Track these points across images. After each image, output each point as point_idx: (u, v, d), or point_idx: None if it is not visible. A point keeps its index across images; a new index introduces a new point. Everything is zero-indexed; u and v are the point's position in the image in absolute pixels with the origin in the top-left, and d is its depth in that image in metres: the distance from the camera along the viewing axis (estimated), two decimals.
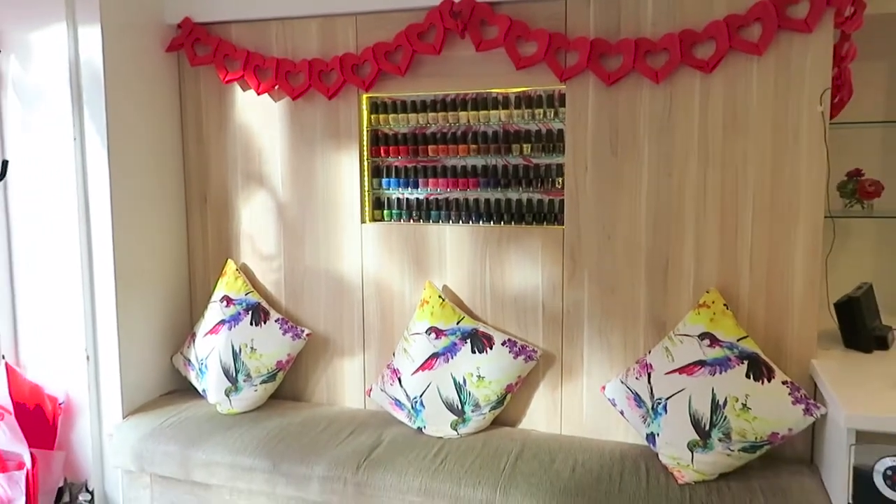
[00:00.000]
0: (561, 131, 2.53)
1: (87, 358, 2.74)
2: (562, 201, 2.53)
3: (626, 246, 2.43)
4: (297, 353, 2.82)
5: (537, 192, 2.60)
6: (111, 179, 2.65)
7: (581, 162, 2.46)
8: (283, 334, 2.80)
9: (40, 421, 2.73)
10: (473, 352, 2.51)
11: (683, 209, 2.35)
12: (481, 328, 2.55)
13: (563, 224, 2.52)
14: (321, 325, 2.87)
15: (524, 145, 2.58)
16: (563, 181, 2.53)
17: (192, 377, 2.91)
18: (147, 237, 2.84)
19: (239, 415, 2.75)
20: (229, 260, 2.96)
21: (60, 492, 2.79)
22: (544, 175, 2.58)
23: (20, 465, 2.65)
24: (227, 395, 2.77)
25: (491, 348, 2.51)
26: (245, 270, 2.97)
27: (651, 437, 2.27)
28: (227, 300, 2.87)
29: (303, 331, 2.81)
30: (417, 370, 2.56)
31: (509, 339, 2.53)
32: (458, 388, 2.50)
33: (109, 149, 2.64)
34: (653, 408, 2.25)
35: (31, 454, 2.65)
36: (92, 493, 2.79)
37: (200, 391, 2.89)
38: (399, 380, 2.59)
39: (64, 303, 2.74)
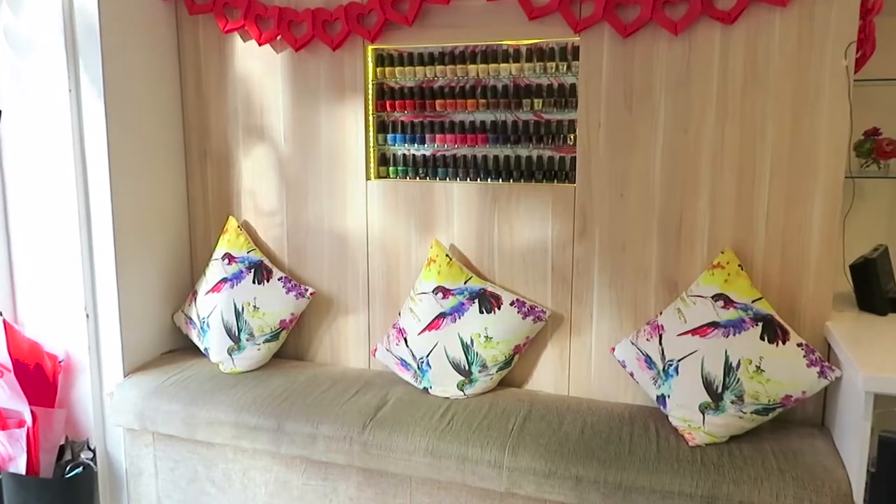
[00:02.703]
0: (574, 86, 2.45)
1: (87, 316, 2.69)
2: (573, 158, 2.46)
3: (639, 204, 2.37)
4: (300, 312, 2.78)
5: (548, 148, 2.53)
6: (108, 132, 2.57)
7: (594, 118, 2.39)
8: (287, 293, 2.74)
9: (40, 379, 2.69)
10: (481, 312, 2.47)
11: (699, 167, 2.29)
12: (489, 288, 2.51)
13: (574, 182, 2.46)
14: (325, 283, 2.82)
15: (535, 100, 2.50)
16: (575, 138, 2.45)
17: (194, 336, 2.87)
18: (146, 193, 2.77)
19: (242, 374, 2.72)
20: (231, 217, 2.89)
21: (62, 450, 2.77)
22: (555, 131, 2.51)
23: (21, 423, 2.62)
24: (230, 354, 2.73)
25: (499, 309, 2.46)
26: (247, 227, 2.91)
27: (661, 399, 2.23)
28: (229, 258, 2.81)
29: (306, 289, 2.76)
30: (424, 330, 2.51)
31: (518, 300, 2.48)
32: (466, 348, 2.46)
33: (106, 101, 2.55)
34: (664, 369, 2.22)
35: (32, 412, 2.62)
36: (94, 451, 2.76)
37: (202, 350, 2.85)
38: (405, 340, 2.55)
39: (62, 259, 2.68)
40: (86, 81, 2.55)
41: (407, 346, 2.55)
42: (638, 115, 2.33)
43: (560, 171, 2.51)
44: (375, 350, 2.69)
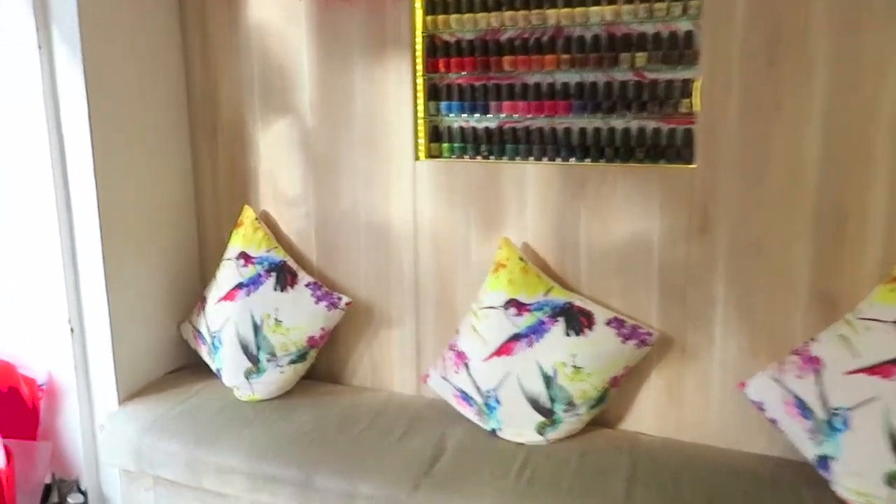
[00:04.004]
0: (690, 34, 1.84)
1: (72, 330, 2.18)
2: (689, 130, 1.86)
3: (784, 191, 1.76)
4: (332, 326, 2.23)
5: (654, 118, 1.92)
6: (89, 102, 2.03)
7: (721, 76, 1.77)
8: (316, 303, 2.19)
9: (16, 405, 2.20)
10: (568, 334, 1.89)
11: (872, 141, 1.67)
12: (577, 302, 1.92)
13: (690, 161, 1.86)
14: (362, 289, 2.26)
15: (637, 55, 1.89)
16: (692, 103, 1.84)
17: (204, 353, 2.34)
18: (141, 177, 2.24)
19: (262, 402, 2.19)
20: (246, 206, 2.35)
21: (48, 490, 2.29)
22: (664, 95, 1.90)
23: None
24: (247, 378, 2.20)
25: (591, 329, 1.88)
26: (266, 219, 2.36)
27: (823, 462, 1.64)
28: (245, 258, 2.27)
29: (340, 298, 2.21)
30: (492, 356, 1.95)
31: (615, 318, 1.90)
32: (547, 380, 1.89)
33: (85, 61, 2.00)
34: (827, 421, 1.62)
35: (5, 448, 2.12)
36: (85, 494, 2.27)
37: (214, 370, 2.32)
38: (466, 367, 1.99)
39: (39, 261, 2.17)
40: (58, 37, 2.01)
41: (469, 374, 1.98)
42: (785, 70, 1.71)
43: (670, 148, 1.91)
44: (427, 376, 2.14)
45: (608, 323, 1.89)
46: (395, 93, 2.12)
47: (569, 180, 1.97)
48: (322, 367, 2.35)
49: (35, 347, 2.24)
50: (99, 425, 2.20)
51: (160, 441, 2.05)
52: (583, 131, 2.00)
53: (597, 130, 1.99)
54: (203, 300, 2.35)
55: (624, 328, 1.88)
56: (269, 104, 2.29)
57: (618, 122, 1.97)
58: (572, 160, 2.01)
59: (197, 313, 2.36)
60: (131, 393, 2.24)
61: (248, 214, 2.32)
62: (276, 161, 2.32)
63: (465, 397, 2.00)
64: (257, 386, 2.20)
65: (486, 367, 1.95)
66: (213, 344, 2.28)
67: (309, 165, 2.27)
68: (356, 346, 2.31)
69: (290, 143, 2.28)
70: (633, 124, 1.95)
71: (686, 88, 1.87)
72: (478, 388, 1.97)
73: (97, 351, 2.20)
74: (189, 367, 2.45)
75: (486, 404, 1.96)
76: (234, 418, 2.10)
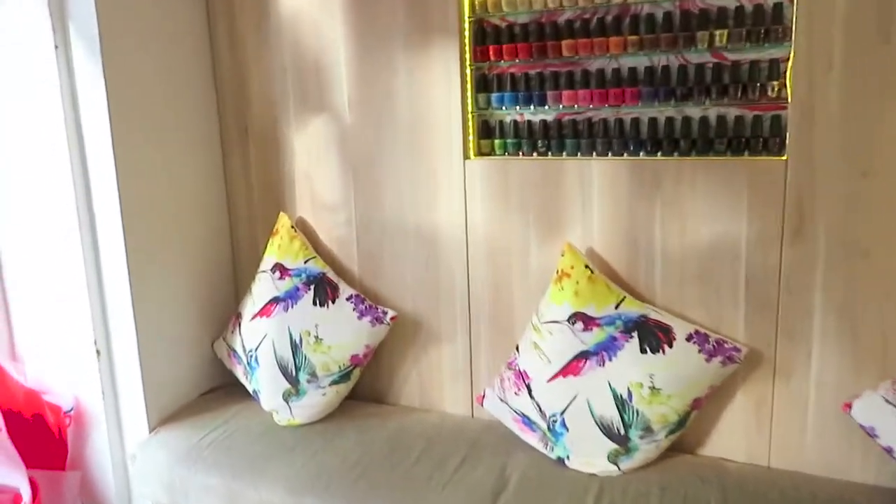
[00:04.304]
0: (780, 6, 1.61)
1: (98, 352, 2.03)
2: (778, 118, 1.64)
3: (894, 185, 1.53)
4: (377, 343, 2.04)
5: (737, 104, 1.70)
6: (110, 106, 1.87)
7: (821, 54, 1.54)
8: (359, 318, 2.01)
9: (42, 434, 2.06)
10: (643, 351, 1.67)
11: None
12: (653, 314, 1.71)
13: (780, 153, 1.63)
14: (409, 302, 2.07)
15: (716, 32, 1.67)
16: (782, 87, 1.62)
17: (240, 373, 2.17)
18: (168, 184, 2.07)
19: (303, 427, 2.01)
20: (281, 213, 2.17)
21: None
22: (749, 78, 1.67)
23: (16, 499, 1.98)
24: (286, 401, 2.03)
25: (670, 346, 1.67)
26: (303, 227, 2.18)
27: None
28: (281, 270, 2.09)
29: (385, 313, 2.02)
30: (556, 375, 1.74)
31: (697, 332, 1.68)
32: (621, 403, 1.68)
33: (104, 61, 1.84)
34: None
35: (31, 480, 1.97)
36: None
37: (251, 392, 2.15)
38: (528, 388, 1.79)
39: (60, 278, 2.02)
40: (76, 35, 1.84)
41: (531, 397, 1.78)
42: None
43: (757, 139, 1.68)
44: (483, 397, 1.94)
45: (689, 338, 1.67)
46: (440, 85, 1.92)
47: (640, 177, 1.76)
48: (366, 385, 2.17)
49: (61, 372, 2.09)
50: (130, 455, 2.04)
51: (195, 473, 1.88)
52: (653, 122, 1.78)
53: (670, 121, 1.77)
54: (238, 316, 2.18)
55: (708, 344, 1.66)
56: (303, 101, 2.11)
57: (694, 111, 1.74)
58: (642, 154, 1.79)
59: (231, 330, 2.19)
60: (163, 418, 2.08)
61: (284, 222, 2.14)
62: (313, 163, 2.13)
63: (527, 422, 1.80)
64: (297, 409, 2.02)
65: (551, 389, 1.75)
66: (248, 364, 2.11)
67: (348, 167, 2.08)
68: (403, 362, 2.12)
69: (328, 144, 2.10)
70: (712, 112, 1.73)
71: (774, 70, 1.64)
72: (541, 412, 1.77)
73: (125, 375, 2.04)
74: (224, 387, 2.28)
75: (552, 430, 1.75)
76: (274, 446, 1.92)
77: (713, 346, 1.66)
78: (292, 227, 2.13)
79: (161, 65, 2.02)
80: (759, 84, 1.66)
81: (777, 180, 1.63)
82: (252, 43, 2.14)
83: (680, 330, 1.68)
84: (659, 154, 1.78)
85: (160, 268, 2.05)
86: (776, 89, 1.64)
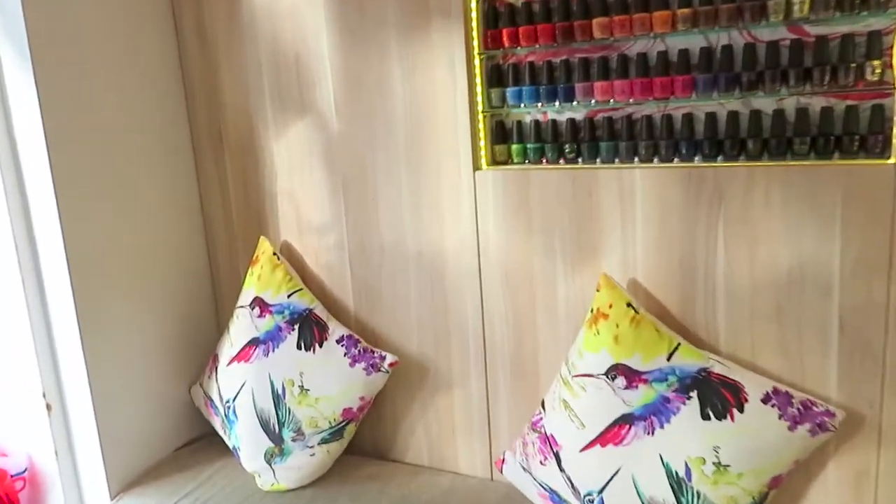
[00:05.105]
0: None
1: (48, 406, 1.72)
2: (880, 108, 1.25)
3: None
4: (374, 394, 1.70)
5: (822, 92, 1.30)
6: (44, 117, 1.55)
7: None
8: (352, 365, 1.67)
9: None
10: (705, 416, 1.30)
11: None
12: (717, 367, 1.33)
13: (888, 156, 1.24)
14: (413, 343, 1.72)
15: (794, 0, 1.28)
16: (887, 68, 1.22)
17: (218, 426, 1.85)
18: (128, 209, 1.76)
19: (290, 493, 1.68)
20: (262, 238, 1.84)
21: None
22: (840, 57, 1.28)
23: None
24: (269, 463, 1.70)
25: (741, 410, 1.29)
26: (288, 253, 1.85)
27: None
28: (261, 305, 1.76)
29: (383, 358, 1.67)
30: (592, 444, 1.37)
31: (776, 390, 1.29)
32: (676, 483, 1.31)
33: (34, 63, 1.52)
34: None
35: None
36: None
37: (231, 448, 1.83)
38: (557, 457, 1.42)
39: (4, 324, 1.71)
40: (1, 36, 1.53)
41: (560, 468, 1.41)
42: None
43: (852, 137, 1.29)
44: (503, 461, 1.58)
45: (766, 399, 1.29)
46: (444, 80, 1.56)
47: (696, 189, 1.38)
48: (365, 437, 1.83)
49: (12, 427, 1.79)
50: None
51: None
52: (712, 118, 1.40)
53: (733, 116, 1.38)
54: (215, 359, 1.86)
55: (791, 407, 1.28)
56: (283, 103, 1.77)
57: (765, 103, 1.35)
58: (697, 160, 1.41)
59: (208, 375, 1.87)
60: (127, 482, 1.77)
61: (265, 248, 1.81)
62: (296, 176, 1.80)
63: (557, 499, 1.44)
64: (282, 472, 1.69)
65: (585, 460, 1.38)
66: (226, 416, 1.79)
67: (337, 181, 1.74)
68: (407, 413, 1.78)
69: (312, 154, 1.76)
70: (790, 103, 1.34)
71: (875, 45, 1.25)
72: (574, 489, 1.40)
73: (81, 431, 1.74)
74: (206, 436, 1.97)
75: None
76: None
77: (798, 409, 1.28)
78: (274, 253, 1.80)
79: (116, 66, 1.70)
80: (853, 65, 1.26)
81: (881, 190, 1.23)
82: (223, 34, 1.81)
83: (753, 388, 1.30)
84: (720, 159, 1.39)
85: (119, 306, 1.74)
86: (878, 71, 1.24)
